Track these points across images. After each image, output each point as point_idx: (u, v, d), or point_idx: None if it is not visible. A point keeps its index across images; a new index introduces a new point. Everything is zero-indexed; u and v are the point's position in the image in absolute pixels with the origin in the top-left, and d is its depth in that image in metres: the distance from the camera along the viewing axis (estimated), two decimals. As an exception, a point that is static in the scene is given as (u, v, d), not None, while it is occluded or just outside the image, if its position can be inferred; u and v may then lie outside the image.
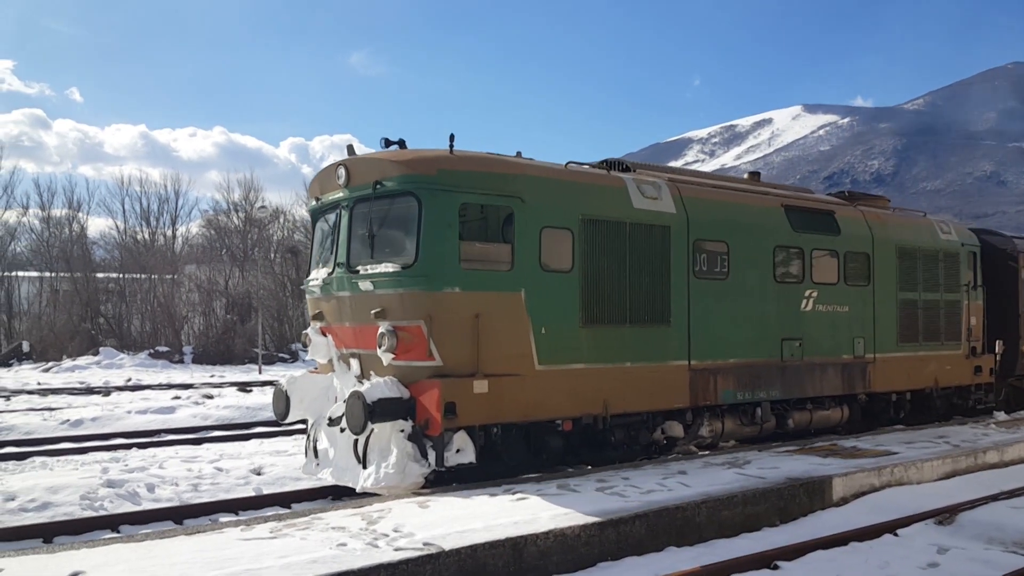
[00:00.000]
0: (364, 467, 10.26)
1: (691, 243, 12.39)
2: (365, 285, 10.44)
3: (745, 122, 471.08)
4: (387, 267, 10.26)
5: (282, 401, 11.24)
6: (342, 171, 10.89)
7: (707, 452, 13.19)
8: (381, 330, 10.17)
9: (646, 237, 11.86)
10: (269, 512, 10.60)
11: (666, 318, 12.05)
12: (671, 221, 12.18)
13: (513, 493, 9.34)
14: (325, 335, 11.42)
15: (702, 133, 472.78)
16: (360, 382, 10.53)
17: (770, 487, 9.89)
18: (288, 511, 9.39)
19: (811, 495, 10.24)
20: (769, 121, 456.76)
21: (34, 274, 52.87)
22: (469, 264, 10.31)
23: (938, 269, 16.54)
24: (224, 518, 10.42)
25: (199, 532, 7.87)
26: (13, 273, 51.53)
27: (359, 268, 10.59)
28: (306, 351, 11.91)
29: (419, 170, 10.23)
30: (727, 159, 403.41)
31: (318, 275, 11.42)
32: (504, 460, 10.80)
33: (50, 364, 39.11)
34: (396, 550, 7.01)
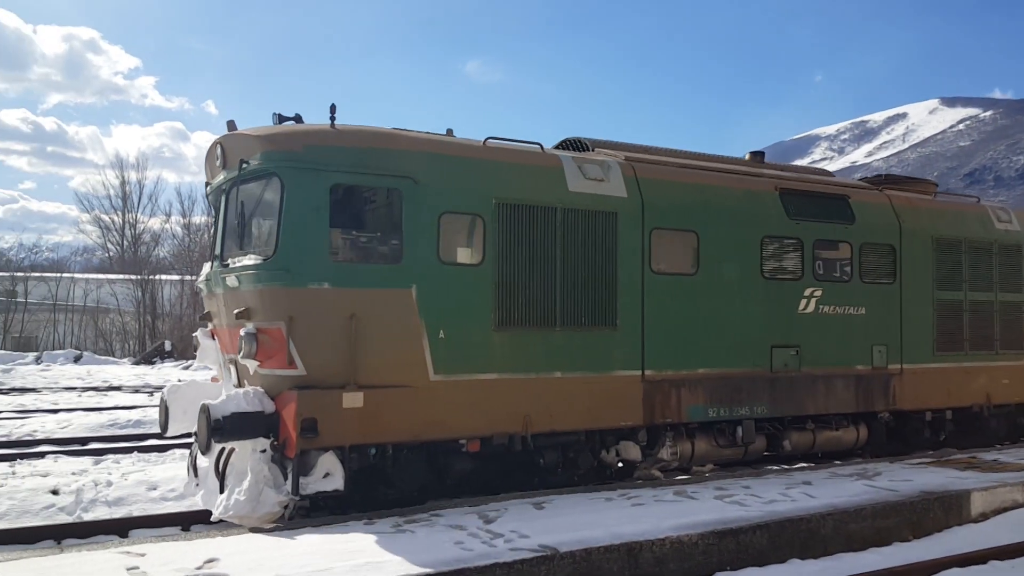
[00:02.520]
0: (221, 491, 8.90)
1: (647, 232, 10.50)
2: (231, 281, 9.08)
3: (877, 117, 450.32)
4: (249, 260, 8.87)
5: (162, 412, 9.98)
6: (219, 150, 9.57)
7: (836, 463, 12.35)
8: (241, 333, 8.79)
9: (585, 225, 10.06)
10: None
11: (611, 320, 10.21)
12: (619, 206, 10.33)
13: (629, 498, 9.21)
14: (214, 338, 10.12)
15: (830, 130, 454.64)
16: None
17: (902, 500, 9.45)
18: (409, 507, 9.08)
19: (947, 510, 9.70)
20: (903, 116, 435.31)
21: (176, 277, 55.32)
22: (343, 256, 8.84)
23: (992, 264, 13.95)
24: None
25: (325, 525, 8.11)
26: (157, 276, 54.09)
27: (229, 261, 9.25)
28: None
29: (282, 146, 8.79)
30: (857, 156, 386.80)
31: (204, 270, 10.14)
32: (397, 486, 9.23)
33: (190, 362, 40.05)
34: (512, 550, 7.12)
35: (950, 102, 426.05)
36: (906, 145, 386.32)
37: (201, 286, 10.19)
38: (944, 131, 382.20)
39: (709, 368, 10.92)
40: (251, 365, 8.88)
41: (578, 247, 10.00)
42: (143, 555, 6.97)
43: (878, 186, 13.61)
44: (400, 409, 8.87)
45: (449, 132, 10.35)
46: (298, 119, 9.64)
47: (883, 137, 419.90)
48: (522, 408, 9.57)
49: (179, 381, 10.25)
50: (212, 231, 10.26)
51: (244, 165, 8.95)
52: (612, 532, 7.69)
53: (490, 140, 10.04)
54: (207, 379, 10.80)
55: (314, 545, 7.24)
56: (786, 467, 12.48)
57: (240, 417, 8.51)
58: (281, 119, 9.65)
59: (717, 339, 10.98)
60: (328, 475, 8.66)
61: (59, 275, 56.95)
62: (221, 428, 8.41)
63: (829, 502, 9.15)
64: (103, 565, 6.65)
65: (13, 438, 16.73)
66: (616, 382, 10.23)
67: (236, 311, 8.89)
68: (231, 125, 9.76)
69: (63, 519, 10.41)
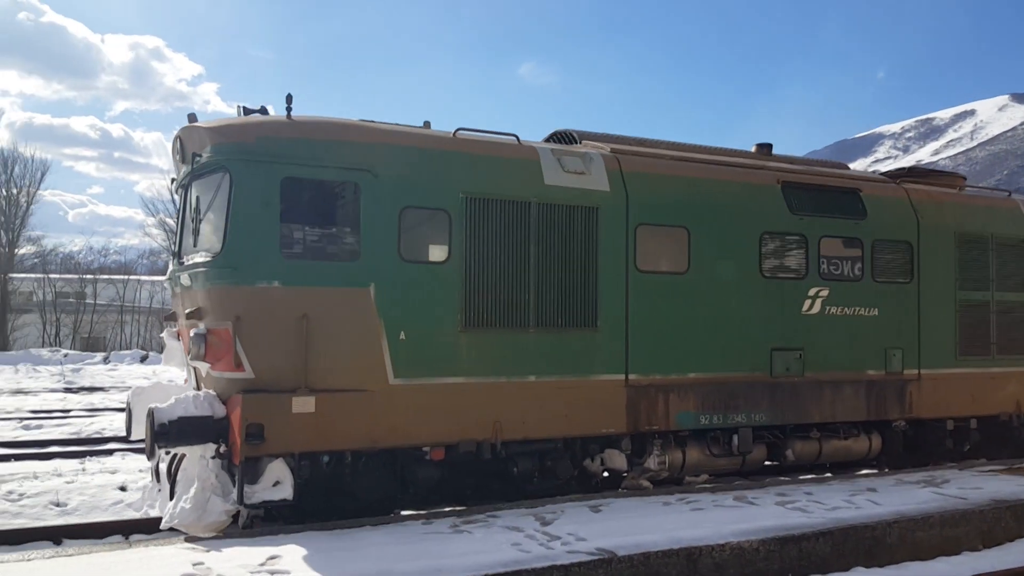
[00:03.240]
0: (171, 497, 8.55)
1: (632, 228, 9.90)
2: (185, 280, 8.75)
3: (944, 115, 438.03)
4: (200, 257, 8.52)
5: (127, 415, 9.69)
6: (178, 144, 9.23)
7: (903, 470, 11.84)
8: (191, 333, 8.45)
9: (563, 220, 9.51)
10: (446, 508, 9.63)
11: (591, 321, 9.64)
12: (601, 201, 9.75)
13: (688, 503, 9.13)
14: (180, 339, 9.80)
15: (895, 128, 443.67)
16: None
17: (972, 508, 9.18)
18: (465, 508, 9.19)
19: (1019, 519, 9.44)
20: (971, 113, 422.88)
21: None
22: (296, 253, 8.42)
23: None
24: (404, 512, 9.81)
25: (384, 524, 8.15)
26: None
27: (184, 259, 8.92)
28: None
29: (232, 138, 8.41)
30: (923, 155, 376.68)
31: (169, 268, 9.83)
32: (357, 495, 8.77)
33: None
34: (569, 552, 7.11)
35: (1021, 98, 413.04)
36: (974, 143, 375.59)
37: (166, 284, 9.90)
38: (1015, 128, 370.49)
39: (701, 372, 10.27)
40: (203, 367, 8.54)
41: (555, 244, 9.46)
42: (207, 551, 7.10)
43: (896, 179, 12.77)
44: (356, 415, 8.42)
45: (426, 124, 9.89)
46: (263, 112, 9.27)
47: (950, 135, 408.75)
48: (491, 414, 9.06)
49: (143, 383, 9.94)
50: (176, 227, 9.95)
51: (196, 158, 8.62)
52: (671, 536, 7.62)
53: (460, 131, 9.55)
54: (176, 381, 10.48)
55: (375, 545, 7.28)
56: (846, 475, 11.87)
57: (186, 422, 8.16)
58: (246, 111, 9.29)
59: (710, 342, 10.33)
60: (278, 483, 8.26)
61: (126, 277, 58.18)
62: (166, 433, 8.08)
63: (895, 509, 8.93)
64: (170, 560, 6.80)
65: (83, 436, 17.26)
66: (597, 387, 9.65)
67: (187, 311, 8.56)
68: (191, 118, 9.42)
69: (131, 515, 10.57)
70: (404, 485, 9.04)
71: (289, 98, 8.78)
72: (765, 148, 12.39)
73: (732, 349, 10.48)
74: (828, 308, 11.13)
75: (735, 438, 10.53)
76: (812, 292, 11.03)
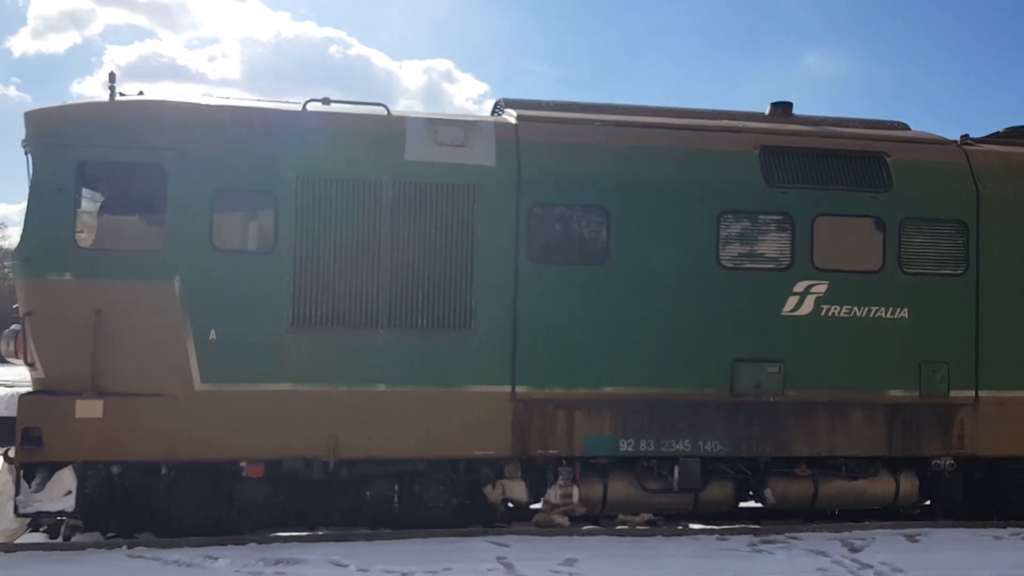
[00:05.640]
0: (-7, 501, 8.19)
1: (524, 209, 8.18)
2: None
3: None
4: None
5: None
6: None
7: None
8: (8, 329, 8.07)
9: (426, 202, 8.05)
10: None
11: (463, 322, 8.06)
12: (480, 177, 8.15)
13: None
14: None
15: None
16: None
17: None
18: (759, 526, 8.95)
19: None
20: None
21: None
22: (92, 243, 7.76)
23: None
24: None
25: (676, 535, 8.21)
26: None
27: (27, 252, 8.58)
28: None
29: (35, 123, 7.92)
30: None
31: None
32: (172, 512, 7.90)
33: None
34: None
35: None
36: None
37: None
38: None
39: (622, 387, 8.27)
40: (29, 368, 8.10)
41: (415, 229, 8.01)
42: (507, 546, 7.41)
43: (964, 142, 9.68)
44: (152, 422, 7.58)
45: (325, 100, 8.82)
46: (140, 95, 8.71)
47: None
48: (326, 427, 7.81)
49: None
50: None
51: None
52: (1004, 575, 6.98)
53: (311, 103, 8.36)
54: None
55: (671, 556, 7.24)
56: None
57: (-8, 422, 7.75)
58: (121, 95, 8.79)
59: (638, 349, 8.30)
60: (70, 493, 7.61)
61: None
62: None
63: None
64: (480, 554, 7.18)
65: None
66: (471, 400, 8.04)
67: (15, 306, 8.20)
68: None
69: None
70: (231, 504, 8.03)
71: (111, 76, 8.13)
72: (782, 108, 9.88)
73: (672, 359, 8.35)
74: (825, 308, 8.58)
75: (677, 471, 8.39)
76: (800, 287, 8.56)
